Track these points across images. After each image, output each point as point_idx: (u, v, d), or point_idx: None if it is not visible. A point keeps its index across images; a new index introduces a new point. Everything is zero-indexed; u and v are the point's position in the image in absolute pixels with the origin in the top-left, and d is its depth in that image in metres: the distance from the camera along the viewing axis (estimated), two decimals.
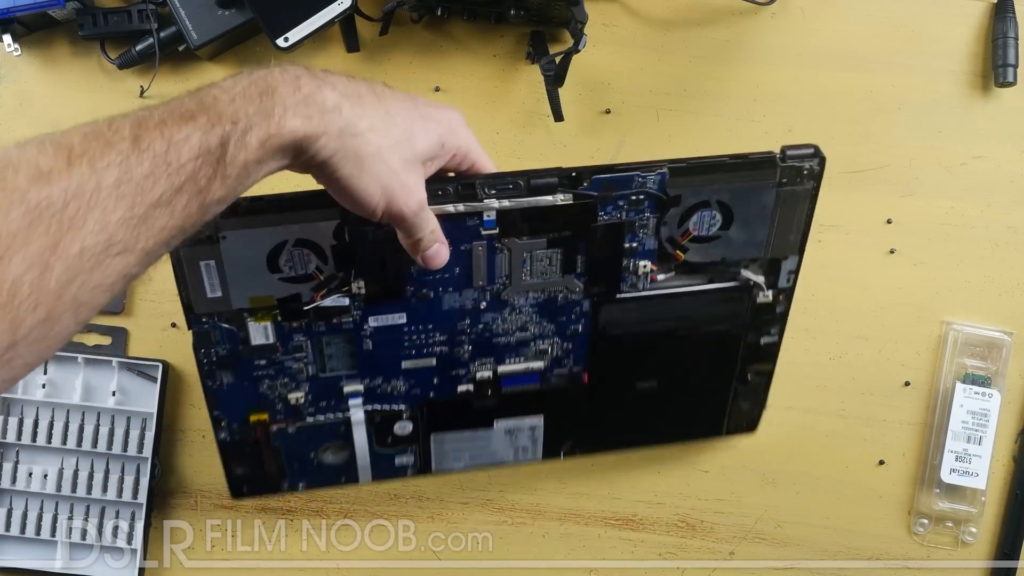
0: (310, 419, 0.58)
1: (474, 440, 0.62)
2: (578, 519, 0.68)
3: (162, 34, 0.64)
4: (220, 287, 0.52)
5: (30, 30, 0.65)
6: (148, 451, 0.66)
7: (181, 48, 0.64)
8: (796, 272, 0.57)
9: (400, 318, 0.55)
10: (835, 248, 0.67)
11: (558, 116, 0.65)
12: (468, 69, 0.67)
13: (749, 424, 0.65)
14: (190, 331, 0.54)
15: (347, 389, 0.57)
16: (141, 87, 0.66)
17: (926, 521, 0.68)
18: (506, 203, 0.51)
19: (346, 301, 0.54)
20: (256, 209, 0.49)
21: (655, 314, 0.58)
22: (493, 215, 0.51)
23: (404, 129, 0.42)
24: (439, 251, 0.47)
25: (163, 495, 0.68)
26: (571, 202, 0.52)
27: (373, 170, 0.40)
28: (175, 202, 0.34)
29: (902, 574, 0.69)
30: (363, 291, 0.53)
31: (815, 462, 0.68)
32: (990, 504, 0.68)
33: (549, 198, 0.51)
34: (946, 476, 0.66)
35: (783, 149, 0.53)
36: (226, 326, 0.54)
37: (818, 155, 0.53)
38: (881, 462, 0.68)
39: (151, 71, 0.65)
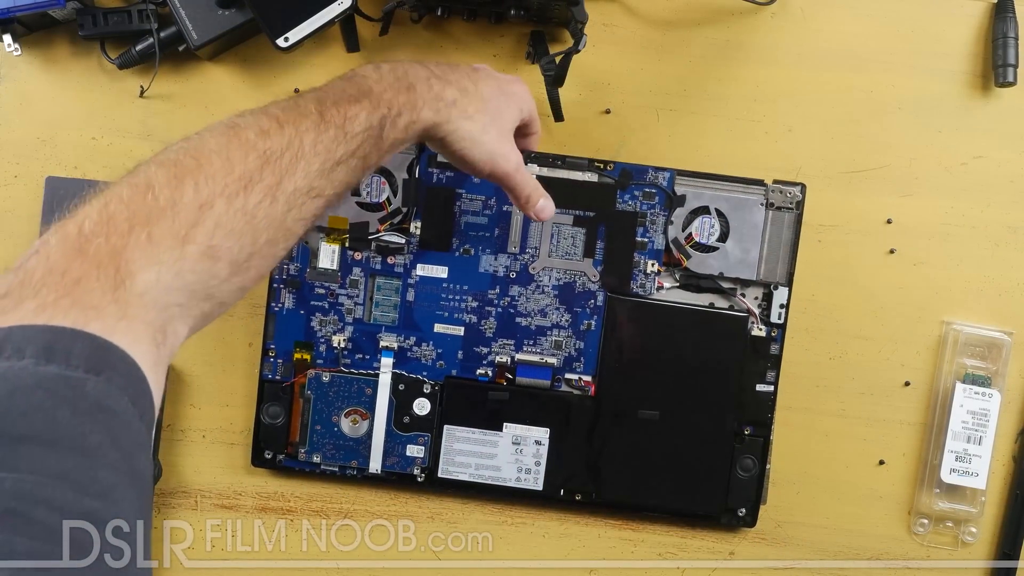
0: (345, 369, 0.65)
1: (482, 444, 0.64)
2: (578, 519, 0.68)
3: (162, 34, 0.64)
4: None
5: (30, 30, 0.65)
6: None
7: (181, 48, 0.64)
8: (787, 308, 0.64)
9: (443, 271, 0.65)
10: (835, 248, 0.67)
11: (558, 116, 0.65)
12: None
13: (748, 517, 0.66)
14: None
15: (383, 343, 0.65)
16: (141, 87, 0.66)
17: (926, 521, 0.68)
18: (544, 171, 0.64)
19: (402, 240, 0.64)
20: None
21: (659, 324, 0.64)
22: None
23: (496, 108, 0.53)
24: (546, 205, 0.57)
25: (163, 495, 0.68)
26: (595, 180, 0.64)
27: (480, 141, 0.51)
28: (349, 162, 0.44)
29: (902, 574, 0.69)
30: (418, 233, 0.64)
31: (815, 462, 0.68)
32: (990, 504, 0.68)
33: (579, 174, 0.64)
34: (946, 476, 0.66)
35: (773, 180, 0.64)
36: (304, 243, 0.64)
37: (800, 185, 0.64)
38: (881, 462, 0.68)
39: (151, 71, 0.65)
